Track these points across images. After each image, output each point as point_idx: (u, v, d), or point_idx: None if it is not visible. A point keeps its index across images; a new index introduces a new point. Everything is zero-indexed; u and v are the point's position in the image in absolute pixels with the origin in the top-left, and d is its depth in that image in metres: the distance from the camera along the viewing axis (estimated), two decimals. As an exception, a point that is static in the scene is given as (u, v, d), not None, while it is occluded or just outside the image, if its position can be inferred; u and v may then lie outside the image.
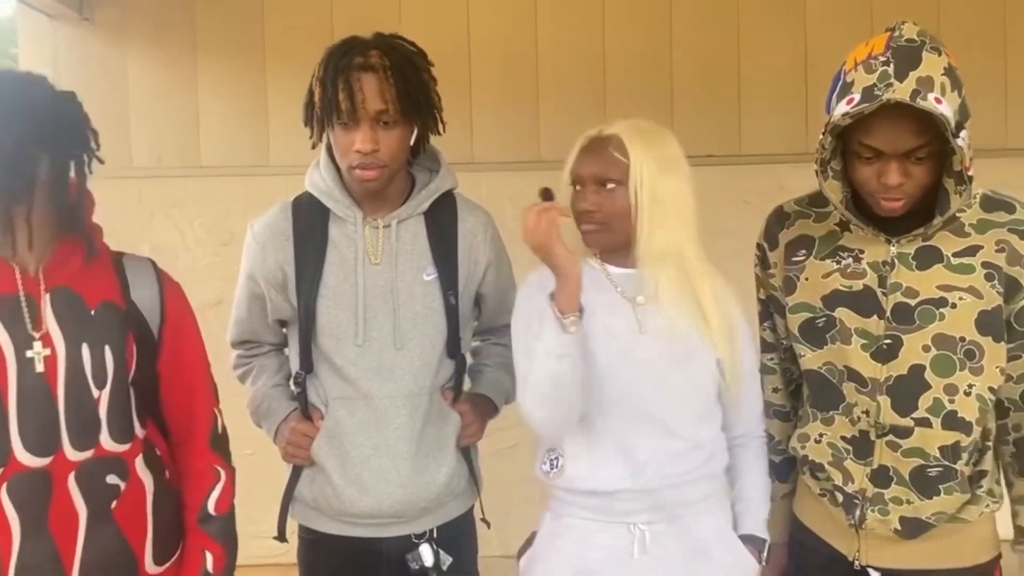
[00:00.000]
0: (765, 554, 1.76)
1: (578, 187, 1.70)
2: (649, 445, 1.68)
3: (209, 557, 1.57)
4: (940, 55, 1.51)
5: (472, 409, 1.91)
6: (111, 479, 1.46)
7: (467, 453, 1.94)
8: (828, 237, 1.70)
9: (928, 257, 1.60)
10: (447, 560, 1.87)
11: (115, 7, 3.50)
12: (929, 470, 1.60)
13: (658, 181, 1.64)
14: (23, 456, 1.37)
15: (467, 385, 1.98)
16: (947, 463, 1.59)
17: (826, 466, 1.71)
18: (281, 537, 1.93)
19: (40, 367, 1.38)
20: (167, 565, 1.56)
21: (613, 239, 1.69)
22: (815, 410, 1.73)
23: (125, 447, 1.48)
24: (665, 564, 1.69)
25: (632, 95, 3.53)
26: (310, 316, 1.82)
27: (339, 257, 1.82)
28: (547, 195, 1.62)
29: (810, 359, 1.71)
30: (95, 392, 1.43)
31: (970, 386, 1.58)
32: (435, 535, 1.88)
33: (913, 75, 1.48)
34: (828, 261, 1.68)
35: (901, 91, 1.47)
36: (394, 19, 3.45)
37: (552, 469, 1.74)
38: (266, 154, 3.55)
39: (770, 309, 1.82)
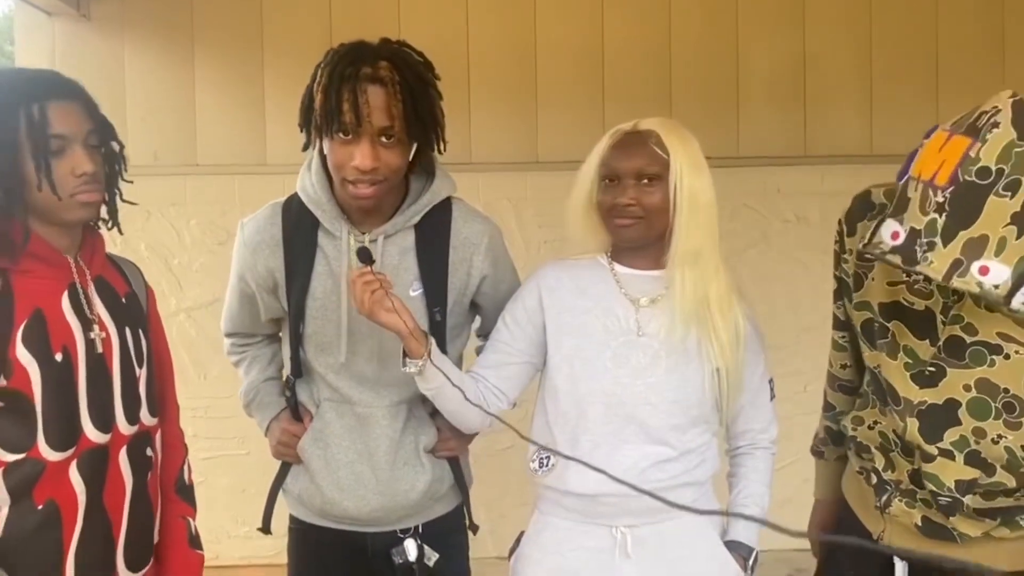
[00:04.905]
0: (752, 562, 1.74)
1: (608, 181, 1.67)
2: (634, 449, 1.67)
3: (191, 522, 1.68)
4: (1016, 193, 1.31)
5: (449, 423, 1.85)
6: (148, 452, 1.56)
7: (454, 458, 1.92)
8: None
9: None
10: (432, 556, 1.86)
11: (113, 4, 3.50)
12: (940, 498, 1.57)
13: (693, 179, 1.64)
14: (92, 432, 1.45)
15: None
16: (956, 495, 1.55)
17: (872, 449, 1.68)
18: (265, 529, 1.94)
19: (100, 348, 1.48)
20: (159, 536, 1.64)
21: (649, 234, 1.67)
22: (875, 397, 1.69)
23: (155, 421, 1.58)
24: (647, 568, 1.68)
25: (631, 97, 3.53)
26: (297, 325, 1.81)
27: (327, 268, 1.78)
28: (364, 255, 1.66)
29: (869, 356, 1.67)
30: (137, 370, 1.54)
31: (1000, 436, 1.52)
32: (420, 531, 1.87)
33: (963, 236, 1.34)
34: (899, 270, 1.57)
35: (938, 264, 1.35)
36: (393, 19, 3.45)
37: (541, 468, 1.73)
38: (263, 153, 3.54)
39: (842, 290, 1.74)
